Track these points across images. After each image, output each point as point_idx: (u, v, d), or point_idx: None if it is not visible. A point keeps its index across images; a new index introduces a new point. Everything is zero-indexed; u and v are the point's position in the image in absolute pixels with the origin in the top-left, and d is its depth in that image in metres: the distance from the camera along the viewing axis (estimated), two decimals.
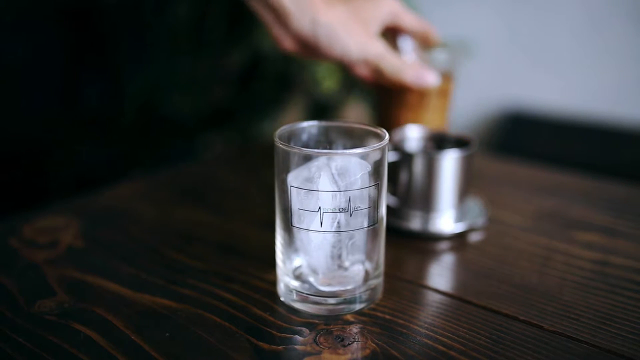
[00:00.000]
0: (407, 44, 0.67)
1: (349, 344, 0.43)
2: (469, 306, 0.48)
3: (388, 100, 0.67)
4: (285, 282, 0.47)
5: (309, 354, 0.42)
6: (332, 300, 0.46)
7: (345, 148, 0.49)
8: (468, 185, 0.61)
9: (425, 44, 0.68)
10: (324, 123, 0.49)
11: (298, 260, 0.47)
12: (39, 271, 0.52)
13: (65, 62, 1.47)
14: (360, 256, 0.46)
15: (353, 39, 0.60)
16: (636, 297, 0.49)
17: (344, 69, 0.67)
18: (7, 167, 1.38)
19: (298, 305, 0.47)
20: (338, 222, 0.44)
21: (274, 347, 0.42)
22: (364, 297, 0.47)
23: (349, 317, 0.46)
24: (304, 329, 0.44)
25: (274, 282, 0.50)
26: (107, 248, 0.57)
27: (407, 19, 0.65)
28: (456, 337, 0.43)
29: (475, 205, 0.64)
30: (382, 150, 0.45)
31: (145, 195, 0.70)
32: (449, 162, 0.57)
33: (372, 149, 0.44)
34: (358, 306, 0.47)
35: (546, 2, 1.65)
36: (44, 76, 1.46)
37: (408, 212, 0.60)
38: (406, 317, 0.46)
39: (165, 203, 0.67)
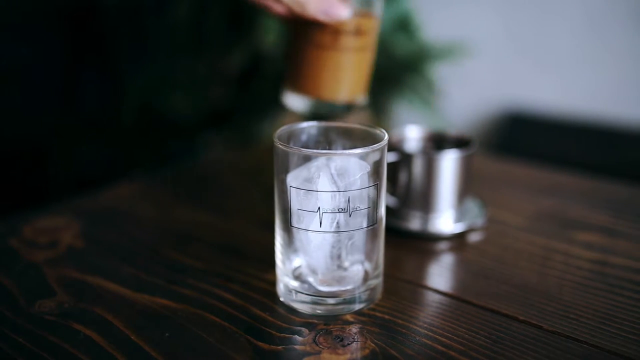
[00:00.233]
0: None
1: (348, 344, 0.43)
2: (468, 306, 0.48)
3: (300, 39, 0.60)
4: (285, 282, 0.47)
5: (309, 354, 0.42)
6: (331, 301, 0.46)
7: (344, 148, 0.49)
8: (467, 185, 0.61)
9: None
10: (323, 123, 0.49)
11: (297, 261, 0.47)
12: (39, 271, 0.52)
13: (65, 62, 1.47)
14: (360, 256, 0.46)
15: None
16: (635, 297, 0.49)
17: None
18: (7, 167, 1.38)
19: (297, 306, 0.47)
20: (337, 223, 0.44)
21: (274, 347, 0.42)
22: (364, 297, 0.47)
23: (349, 317, 0.46)
24: (303, 329, 0.45)
25: (273, 282, 0.50)
26: (107, 248, 0.57)
27: None
28: (455, 337, 0.44)
29: (474, 205, 0.64)
30: (382, 150, 0.45)
31: (145, 195, 0.70)
32: (449, 163, 0.58)
33: (372, 149, 0.44)
34: (357, 306, 0.47)
35: (546, 2, 1.65)
36: (44, 76, 1.45)
37: (407, 212, 0.60)
38: (405, 317, 0.46)
39: (165, 203, 0.67)
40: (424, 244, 0.58)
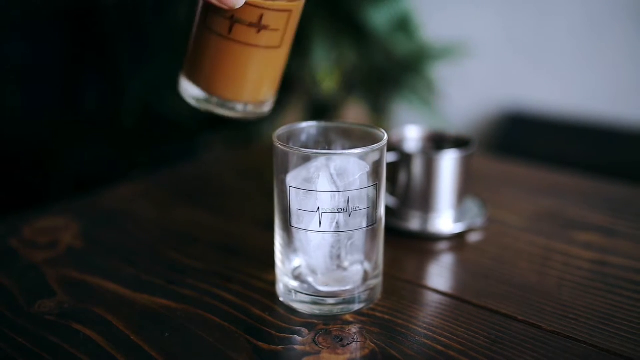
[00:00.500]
0: None
1: (348, 344, 0.43)
2: (467, 306, 0.48)
3: (199, 17, 0.50)
4: (285, 282, 0.48)
5: (308, 354, 0.42)
6: (331, 301, 0.46)
7: (344, 148, 0.49)
8: (467, 185, 0.61)
9: None
10: (323, 124, 0.50)
11: (297, 261, 0.47)
12: (39, 271, 0.52)
13: (66, 63, 1.47)
14: (359, 256, 0.46)
15: None
16: (635, 296, 0.49)
17: None
18: (7, 167, 1.38)
19: (297, 306, 0.47)
20: (337, 223, 0.44)
21: (273, 347, 0.42)
22: (363, 297, 0.47)
23: (348, 317, 0.46)
24: (303, 329, 0.45)
25: (273, 283, 0.50)
26: (107, 248, 0.57)
27: None
28: (455, 337, 0.44)
29: (474, 205, 0.64)
30: (381, 150, 0.45)
31: (145, 195, 0.70)
32: (448, 163, 0.58)
33: (371, 149, 0.44)
34: (357, 306, 0.47)
35: (546, 2, 1.65)
36: (44, 76, 1.46)
37: (407, 212, 0.60)
38: (405, 317, 0.46)
39: (165, 203, 0.67)
40: (423, 244, 0.58)
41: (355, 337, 0.44)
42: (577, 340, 0.43)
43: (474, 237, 0.60)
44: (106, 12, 1.44)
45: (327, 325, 0.45)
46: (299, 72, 1.46)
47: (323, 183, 0.43)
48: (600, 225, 0.62)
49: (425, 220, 0.59)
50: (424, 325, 0.45)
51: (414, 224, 0.60)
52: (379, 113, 1.57)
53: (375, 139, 0.46)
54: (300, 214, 0.44)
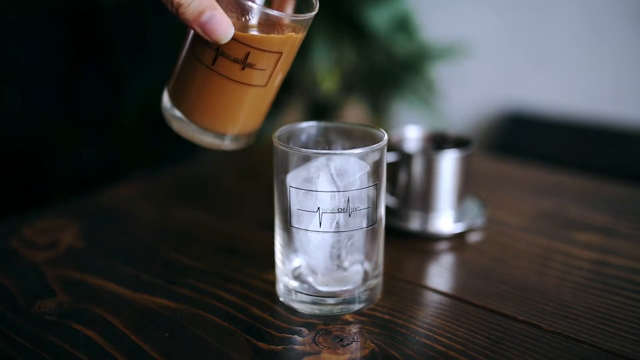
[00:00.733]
0: None
1: (348, 344, 0.43)
2: (467, 306, 0.48)
3: (186, 39, 0.47)
4: (285, 282, 0.48)
5: (308, 354, 0.42)
6: (331, 301, 0.46)
7: (344, 148, 0.49)
8: (467, 185, 0.61)
9: None
10: (323, 124, 0.50)
11: (297, 261, 0.47)
12: (39, 271, 0.52)
13: (66, 63, 1.47)
14: (359, 256, 0.46)
15: None
16: (634, 297, 0.49)
17: None
18: (7, 167, 1.38)
19: (297, 306, 0.47)
20: (337, 223, 0.44)
21: (273, 347, 0.42)
22: (363, 297, 0.47)
23: (348, 317, 0.46)
24: (303, 329, 0.45)
25: (273, 283, 0.50)
26: (107, 248, 0.57)
27: None
28: (455, 337, 0.44)
29: (474, 205, 0.64)
30: (381, 150, 0.45)
31: (145, 195, 0.70)
32: (448, 163, 0.58)
33: (371, 149, 0.44)
34: (357, 306, 0.47)
35: (546, 3, 1.65)
36: (45, 76, 1.46)
37: (407, 212, 0.60)
38: (405, 317, 0.46)
39: (165, 203, 0.67)
40: (423, 244, 0.58)
41: (355, 337, 0.44)
42: (577, 340, 0.43)
43: (474, 237, 0.60)
44: (106, 12, 1.44)
45: (327, 325, 0.45)
46: (299, 72, 1.46)
47: (323, 183, 0.43)
48: (600, 225, 0.62)
49: (425, 220, 0.59)
50: (424, 325, 0.45)
51: (414, 224, 0.60)
52: (379, 113, 1.57)
53: (375, 139, 0.46)
54: (300, 214, 0.44)
